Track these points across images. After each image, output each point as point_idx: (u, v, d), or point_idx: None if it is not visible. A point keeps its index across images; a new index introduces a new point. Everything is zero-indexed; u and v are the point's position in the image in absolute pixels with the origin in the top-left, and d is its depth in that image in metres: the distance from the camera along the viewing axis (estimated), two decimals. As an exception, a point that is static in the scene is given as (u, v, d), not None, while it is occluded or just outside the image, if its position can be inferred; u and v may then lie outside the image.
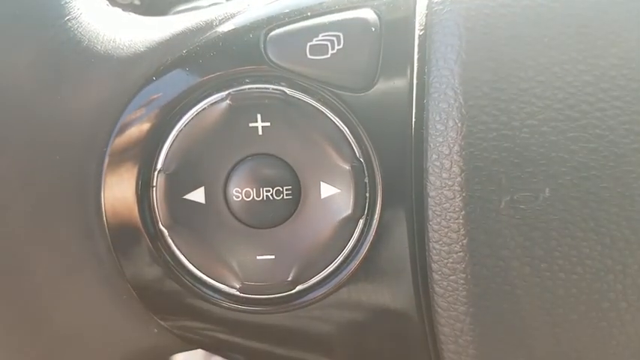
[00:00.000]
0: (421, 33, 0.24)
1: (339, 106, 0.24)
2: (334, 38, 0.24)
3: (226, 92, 0.24)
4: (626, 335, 0.23)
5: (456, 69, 0.23)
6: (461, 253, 0.23)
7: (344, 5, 0.25)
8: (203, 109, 0.24)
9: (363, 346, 0.25)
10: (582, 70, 0.22)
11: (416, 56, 0.24)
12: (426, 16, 0.24)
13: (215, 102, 0.24)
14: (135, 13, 0.36)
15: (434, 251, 0.23)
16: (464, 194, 0.23)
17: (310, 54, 0.24)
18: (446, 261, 0.23)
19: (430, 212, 0.23)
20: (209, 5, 0.37)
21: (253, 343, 0.26)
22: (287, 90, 0.24)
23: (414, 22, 0.24)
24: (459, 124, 0.23)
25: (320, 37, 0.24)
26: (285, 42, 0.24)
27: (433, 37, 0.24)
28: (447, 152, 0.23)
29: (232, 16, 0.26)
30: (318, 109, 0.24)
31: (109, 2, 0.28)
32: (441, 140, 0.23)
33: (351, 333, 0.25)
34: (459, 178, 0.23)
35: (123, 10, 0.28)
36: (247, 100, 0.24)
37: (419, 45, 0.24)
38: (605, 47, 0.23)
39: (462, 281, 0.23)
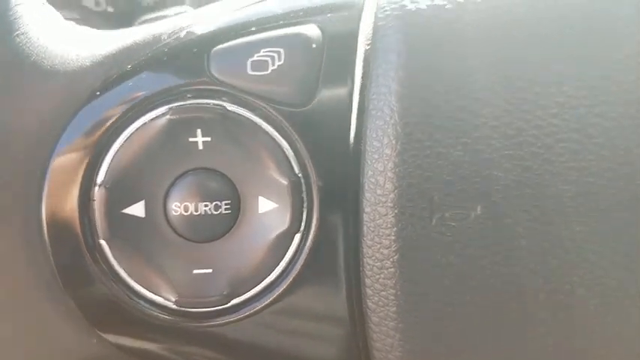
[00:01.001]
0: (365, 49, 0.25)
1: (278, 121, 0.24)
2: (275, 54, 0.24)
3: (167, 107, 0.24)
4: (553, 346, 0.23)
5: (393, 86, 0.23)
6: (392, 269, 0.23)
7: (289, 21, 0.25)
8: (144, 124, 0.24)
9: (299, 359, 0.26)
10: (520, 88, 0.23)
11: (360, 72, 0.24)
12: (371, 32, 0.24)
13: (156, 117, 0.24)
14: (109, 20, 0.36)
15: (367, 267, 0.24)
16: (396, 211, 0.23)
17: (251, 69, 0.24)
18: (378, 276, 0.23)
19: (365, 228, 0.23)
20: (174, 14, 0.37)
21: (191, 356, 0.26)
22: (227, 105, 0.24)
23: (358, 38, 0.25)
24: (394, 142, 0.23)
25: (261, 53, 0.24)
26: (227, 57, 0.24)
27: (375, 53, 0.24)
28: (381, 169, 0.23)
29: (181, 30, 0.26)
30: (258, 124, 0.24)
31: (82, 11, 0.29)
32: (376, 157, 0.23)
33: (286, 347, 0.25)
34: (391, 195, 0.23)
35: (97, 17, 0.28)
36: (187, 115, 0.24)
37: (364, 61, 0.25)
38: (544, 65, 0.23)
39: (392, 297, 0.23)
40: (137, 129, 0.24)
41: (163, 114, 0.24)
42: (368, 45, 0.24)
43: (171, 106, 0.24)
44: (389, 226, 0.23)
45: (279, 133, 0.24)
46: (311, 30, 0.25)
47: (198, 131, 0.24)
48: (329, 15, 0.25)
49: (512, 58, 0.23)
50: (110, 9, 0.42)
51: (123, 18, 0.43)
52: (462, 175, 0.23)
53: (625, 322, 0.23)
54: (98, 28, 0.34)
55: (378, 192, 0.23)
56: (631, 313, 0.23)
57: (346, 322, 0.25)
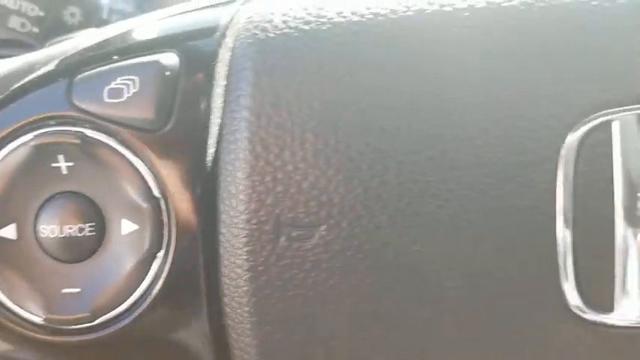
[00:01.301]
0: (223, 76, 0.26)
1: (135, 145, 0.25)
2: (130, 82, 0.25)
3: (32, 134, 0.25)
4: None
5: (243, 113, 0.24)
6: (245, 288, 0.24)
7: (148, 50, 0.26)
8: (11, 151, 0.25)
9: None
10: (355, 112, 0.24)
11: (218, 98, 0.25)
12: (228, 60, 0.25)
13: (21, 144, 0.25)
14: (36, 41, 0.37)
15: (224, 285, 0.25)
16: (246, 232, 0.24)
17: (108, 97, 0.25)
18: (233, 295, 0.24)
19: (221, 249, 0.25)
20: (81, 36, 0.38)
21: None
22: (87, 131, 0.25)
23: (216, 65, 0.26)
24: (244, 165, 0.24)
25: (118, 81, 0.25)
26: (87, 86, 0.25)
27: (230, 79, 0.25)
28: (234, 192, 0.24)
29: (53, 58, 0.27)
30: (117, 149, 0.25)
31: (8, 32, 0.29)
32: (230, 180, 0.24)
33: None
34: (242, 217, 0.24)
35: (25, 38, 0.29)
36: (49, 142, 0.25)
37: (223, 87, 0.26)
38: (379, 86, 0.24)
39: (246, 314, 0.24)
40: (5, 156, 0.25)
41: (28, 141, 0.25)
42: (225, 72, 0.25)
43: (35, 133, 0.25)
44: (241, 246, 0.24)
45: (138, 157, 0.25)
46: (168, 58, 0.25)
47: (61, 157, 0.25)
48: (189, 43, 0.26)
49: (344, 86, 0.24)
50: (35, 29, 0.43)
51: (49, 38, 0.44)
52: (305, 196, 0.24)
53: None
54: (26, 49, 0.36)
55: (232, 213, 0.24)
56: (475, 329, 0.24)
57: (207, 339, 0.26)
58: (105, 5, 0.43)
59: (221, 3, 0.28)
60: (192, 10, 0.28)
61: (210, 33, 0.26)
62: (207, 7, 0.28)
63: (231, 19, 0.27)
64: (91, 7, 0.42)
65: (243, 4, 0.27)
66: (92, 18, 0.42)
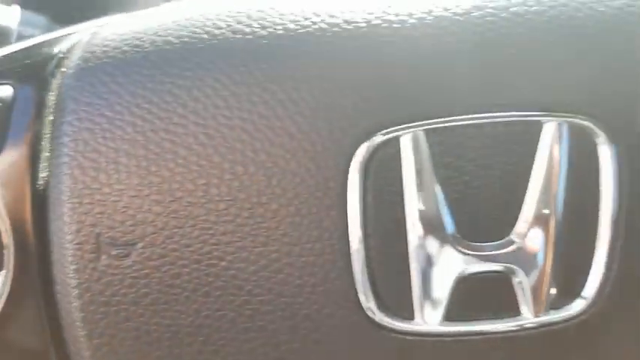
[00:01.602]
0: (53, 104, 0.27)
1: None
2: None
3: None
4: None
5: (64, 139, 0.26)
6: (74, 304, 0.26)
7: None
8: None
9: None
10: (164, 136, 0.25)
11: (50, 126, 0.27)
12: (57, 89, 0.27)
13: None
14: None
15: (61, 304, 0.26)
16: (71, 251, 0.25)
17: None
18: (67, 311, 0.26)
19: (53, 268, 0.26)
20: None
21: None
22: None
23: (48, 95, 0.27)
24: (65, 189, 0.26)
25: None
26: None
27: (56, 107, 0.27)
28: (59, 213, 0.26)
29: None
30: None
31: None
32: (56, 203, 0.26)
33: None
34: (67, 237, 0.26)
35: None
36: None
37: (53, 115, 0.27)
38: (186, 112, 0.25)
39: (78, 329, 0.26)
40: None
41: None
42: (54, 101, 0.27)
43: None
44: (67, 265, 0.26)
45: None
46: (2, 90, 0.27)
47: None
48: (25, 74, 0.28)
49: (163, 112, 0.25)
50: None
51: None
52: (122, 216, 0.25)
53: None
54: None
55: (59, 235, 0.26)
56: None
57: (53, 352, 0.27)
58: (13, 31, 0.44)
59: (68, 34, 0.30)
60: (38, 42, 0.30)
61: (47, 63, 0.28)
62: (56, 37, 0.30)
63: (69, 50, 0.28)
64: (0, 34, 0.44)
65: (87, 35, 0.29)
66: (0, 44, 0.44)
